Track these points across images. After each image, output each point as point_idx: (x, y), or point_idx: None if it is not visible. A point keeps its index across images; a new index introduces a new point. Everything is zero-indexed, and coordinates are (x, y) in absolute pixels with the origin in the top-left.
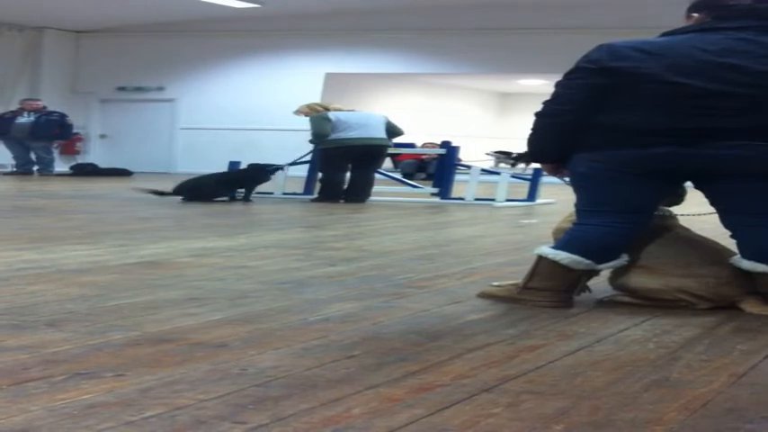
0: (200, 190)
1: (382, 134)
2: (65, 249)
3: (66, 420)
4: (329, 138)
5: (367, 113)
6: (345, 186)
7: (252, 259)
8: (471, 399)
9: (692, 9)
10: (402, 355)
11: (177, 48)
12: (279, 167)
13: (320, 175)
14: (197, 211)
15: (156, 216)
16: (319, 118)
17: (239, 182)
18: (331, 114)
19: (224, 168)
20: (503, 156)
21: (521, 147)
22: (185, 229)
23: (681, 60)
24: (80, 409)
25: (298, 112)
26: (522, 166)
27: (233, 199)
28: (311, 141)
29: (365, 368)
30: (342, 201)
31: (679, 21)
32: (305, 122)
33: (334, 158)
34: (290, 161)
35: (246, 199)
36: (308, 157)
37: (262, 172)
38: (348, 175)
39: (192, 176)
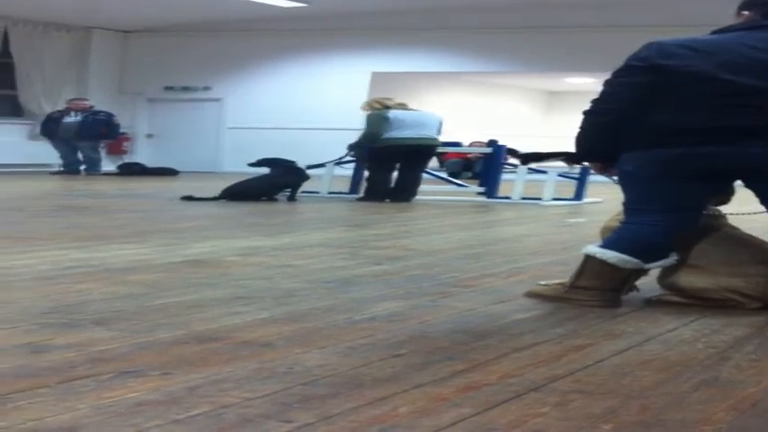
0: (247, 192)
1: (435, 134)
2: (112, 248)
3: (113, 418)
4: (383, 137)
5: (424, 112)
6: (392, 185)
7: (297, 258)
8: (519, 398)
9: (742, 7)
10: (449, 354)
11: (224, 47)
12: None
13: (366, 173)
14: (242, 210)
15: (202, 215)
16: (378, 116)
17: (285, 183)
18: (390, 113)
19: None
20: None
21: (554, 145)
22: (231, 228)
23: (730, 58)
24: (127, 408)
25: (362, 107)
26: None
27: (272, 198)
28: (359, 143)
29: (411, 367)
30: (387, 200)
31: (729, 18)
32: (353, 121)
33: (385, 158)
34: (334, 160)
35: (292, 198)
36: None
37: (301, 171)
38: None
39: (239, 180)
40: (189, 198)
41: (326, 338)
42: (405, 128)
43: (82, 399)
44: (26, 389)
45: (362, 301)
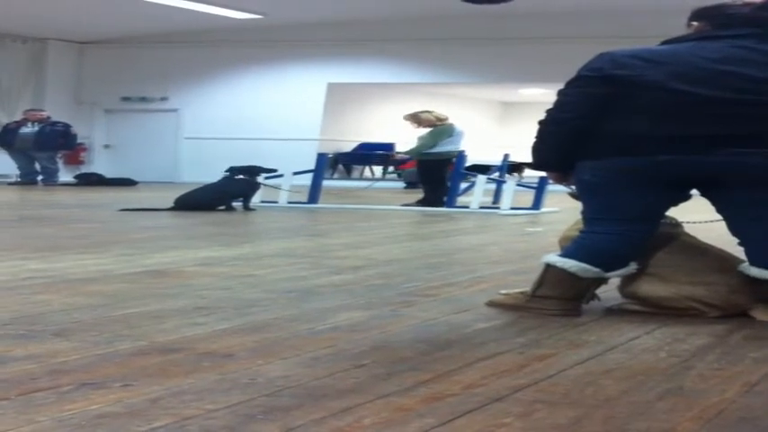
0: (199, 203)
1: None
2: (71, 259)
3: (74, 431)
4: (445, 149)
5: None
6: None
7: (258, 268)
8: (483, 408)
9: (692, 18)
10: (412, 364)
11: (181, 58)
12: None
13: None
14: (202, 220)
15: (161, 225)
16: (445, 130)
17: (236, 193)
18: (456, 126)
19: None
20: None
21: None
22: (191, 238)
23: (682, 68)
24: (88, 420)
25: (418, 120)
26: None
27: (230, 208)
28: (416, 153)
29: (375, 377)
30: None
31: (678, 29)
32: (310, 131)
33: (441, 168)
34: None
35: (246, 207)
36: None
37: (252, 181)
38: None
39: (191, 189)
40: (129, 210)
41: (289, 349)
42: (458, 140)
43: (42, 411)
44: None
45: (324, 311)
